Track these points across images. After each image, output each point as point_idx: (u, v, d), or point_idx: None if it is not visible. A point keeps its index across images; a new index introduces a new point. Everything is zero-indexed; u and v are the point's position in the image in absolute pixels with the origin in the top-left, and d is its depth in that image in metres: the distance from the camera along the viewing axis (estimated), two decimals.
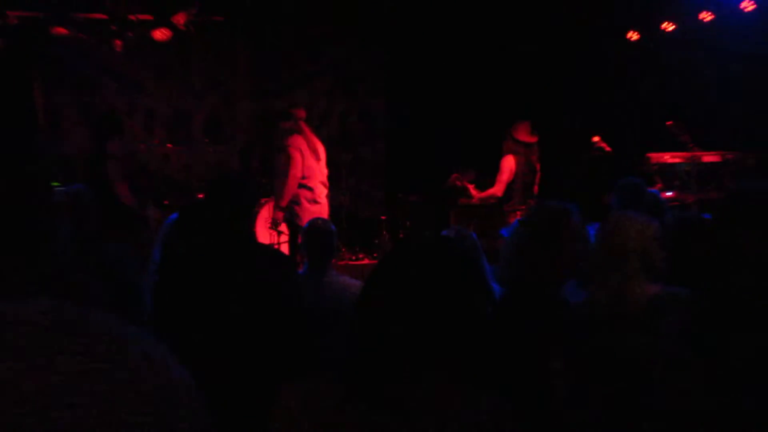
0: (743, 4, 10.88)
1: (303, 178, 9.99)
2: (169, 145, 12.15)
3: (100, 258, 4.72)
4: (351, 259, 11.38)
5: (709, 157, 10.23)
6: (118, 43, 12.59)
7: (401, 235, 12.04)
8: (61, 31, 12.21)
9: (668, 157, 10.35)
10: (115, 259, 4.90)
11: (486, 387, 2.49)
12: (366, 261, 11.33)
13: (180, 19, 12.16)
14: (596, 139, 10.55)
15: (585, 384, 3.79)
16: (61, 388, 1.31)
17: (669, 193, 9.92)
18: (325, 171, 10.33)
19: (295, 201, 9.95)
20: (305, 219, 8.87)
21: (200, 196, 9.44)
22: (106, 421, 1.35)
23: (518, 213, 9.30)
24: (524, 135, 10.33)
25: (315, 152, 10.06)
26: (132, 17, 12.17)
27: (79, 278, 3.66)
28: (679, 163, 10.50)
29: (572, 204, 4.70)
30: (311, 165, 10.03)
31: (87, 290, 3.73)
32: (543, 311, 4.28)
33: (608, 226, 4.34)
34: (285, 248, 10.05)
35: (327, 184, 10.27)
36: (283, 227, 10.16)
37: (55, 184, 6.25)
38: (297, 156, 9.89)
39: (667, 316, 3.93)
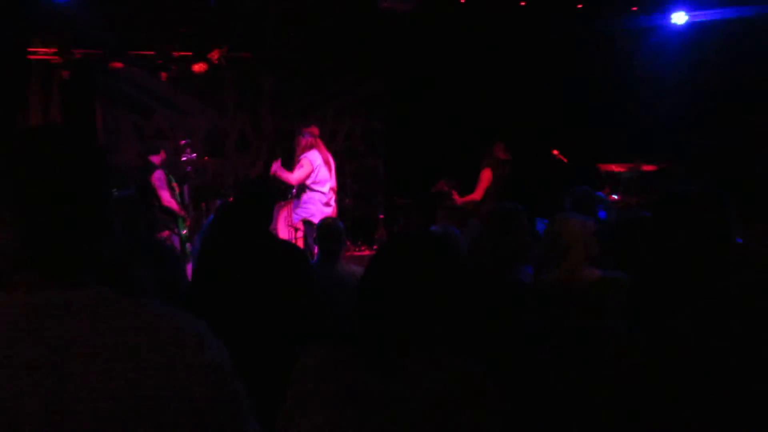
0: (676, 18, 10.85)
1: (316, 184, 10.09)
2: (206, 157, 12.17)
3: (148, 250, 4.86)
4: (355, 251, 11.31)
5: (647, 167, 10.20)
6: (164, 74, 12.69)
7: (395, 231, 12.00)
8: (118, 65, 12.25)
9: (614, 167, 10.33)
10: (160, 250, 5.04)
11: (463, 353, 2.45)
12: (366, 252, 11.27)
13: (214, 55, 12.18)
14: (555, 152, 10.64)
15: (543, 348, 3.98)
16: (103, 357, 1.52)
17: (615, 196, 9.92)
18: (335, 179, 10.39)
19: (311, 203, 10.05)
20: (318, 218, 8.98)
21: (230, 199, 9.43)
22: (138, 380, 1.53)
23: None
24: (500, 152, 10.41)
25: (327, 164, 10.16)
26: (175, 54, 12.24)
27: (132, 268, 3.81)
28: (623, 172, 10.48)
29: (522, 206, 4.90)
30: (323, 174, 10.13)
31: (138, 277, 3.88)
32: (500, 289, 4.47)
33: (554, 224, 4.48)
34: (300, 243, 10.06)
35: (336, 189, 10.38)
36: (299, 224, 10.21)
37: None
38: (309, 167, 10.00)
39: (609, 296, 3.97)
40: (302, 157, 10.15)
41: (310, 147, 10.13)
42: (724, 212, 2.97)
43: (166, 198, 10.13)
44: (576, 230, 4.31)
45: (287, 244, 6.43)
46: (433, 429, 2.26)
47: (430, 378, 2.33)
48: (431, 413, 2.27)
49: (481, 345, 2.70)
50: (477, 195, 10.34)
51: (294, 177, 9.90)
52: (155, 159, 10.35)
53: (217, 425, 1.59)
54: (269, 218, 5.17)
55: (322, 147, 10.27)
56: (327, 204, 10.16)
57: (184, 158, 11.46)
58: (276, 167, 10.00)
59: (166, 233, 10.03)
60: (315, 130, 10.32)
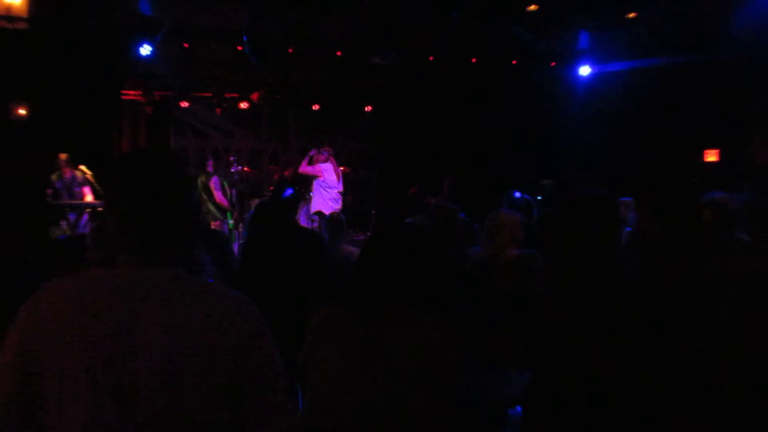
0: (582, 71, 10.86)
1: (328, 188, 10.13)
2: (246, 168, 12.15)
3: (208, 236, 4.78)
4: (353, 237, 11.27)
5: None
6: (218, 110, 12.72)
7: (380, 222, 11.89)
8: (185, 103, 12.28)
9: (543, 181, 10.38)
10: (214, 236, 5.02)
11: (425, 309, 2.42)
12: (362, 237, 11.12)
13: (255, 96, 12.24)
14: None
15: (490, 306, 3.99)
16: (168, 318, 1.51)
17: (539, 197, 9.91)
18: (341, 184, 10.46)
19: (323, 200, 10.08)
20: (328, 212, 9.03)
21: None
22: (197, 337, 1.51)
23: None
24: (453, 179, 10.55)
25: (337, 174, 10.20)
26: (227, 95, 12.26)
27: (197, 253, 3.79)
28: (547, 183, 10.55)
29: (457, 204, 4.98)
30: (333, 181, 10.18)
31: (199, 257, 3.86)
32: (451, 260, 4.54)
33: (490, 216, 4.38)
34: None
35: (341, 191, 10.41)
36: (316, 217, 10.19)
37: None
38: (323, 175, 10.05)
39: (527, 267, 4.04)
40: (317, 165, 10.26)
41: (325, 161, 10.21)
42: (608, 209, 2.99)
43: (219, 197, 10.20)
44: (504, 220, 4.25)
45: (308, 231, 6.39)
46: (408, 363, 2.26)
47: (404, 327, 2.33)
48: (406, 352, 2.28)
49: (436, 303, 2.62)
50: (442, 198, 10.28)
51: (305, 170, 10.08)
52: (210, 168, 10.48)
53: (256, 376, 1.57)
54: (294, 212, 5.17)
55: (333, 161, 10.35)
56: (335, 201, 10.20)
57: (232, 170, 11.48)
58: (302, 166, 10.15)
59: (217, 223, 10.12)
60: (329, 150, 10.40)
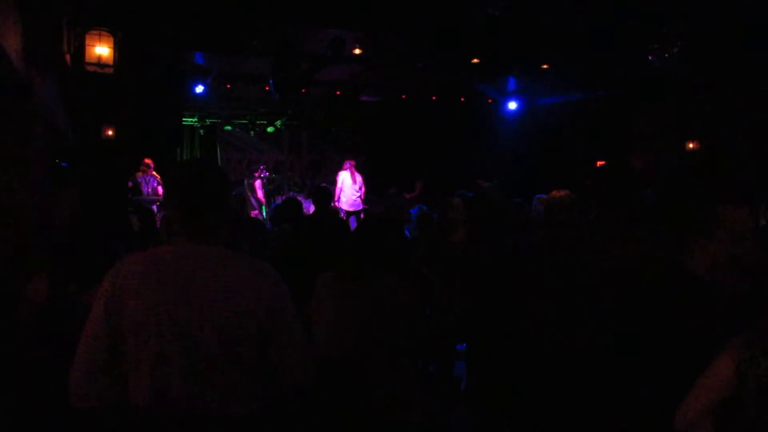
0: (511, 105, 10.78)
1: (342, 191, 9.98)
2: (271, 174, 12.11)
3: (248, 222, 4.60)
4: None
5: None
6: (251, 133, 12.67)
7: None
8: (228, 127, 12.23)
9: (481, 182, 10.35)
10: (253, 223, 4.93)
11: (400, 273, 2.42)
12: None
13: (277, 122, 12.20)
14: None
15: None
16: (215, 283, 1.49)
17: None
18: (359, 187, 10.15)
19: (343, 198, 9.98)
20: (346, 207, 9.30)
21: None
22: (233, 298, 1.49)
23: None
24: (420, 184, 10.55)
25: (353, 179, 9.99)
26: (258, 122, 12.17)
27: (237, 234, 3.78)
28: (484, 184, 10.54)
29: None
30: (348, 185, 10.04)
31: (239, 238, 3.83)
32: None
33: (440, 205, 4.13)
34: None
35: (357, 194, 10.20)
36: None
37: None
38: (339, 182, 9.96)
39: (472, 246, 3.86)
40: (337, 174, 10.16)
41: (345, 170, 10.05)
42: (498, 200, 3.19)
43: (260, 195, 10.22)
44: (449, 208, 3.93)
45: (335, 217, 6.21)
46: (385, 305, 2.28)
47: (380, 282, 2.34)
48: (385, 301, 2.30)
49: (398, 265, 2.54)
50: (415, 195, 10.28)
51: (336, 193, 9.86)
52: (256, 175, 10.50)
53: (280, 323, 1.54)
54: (328, 206, 5.22)
55: (353, 170, 10.11)
56: (349, 200, 10.01)
57: (262, 175, 11.43)
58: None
59: (255, 212, 10.09)
60: (352, 162, 10.27)
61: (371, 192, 10.73)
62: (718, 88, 7.38)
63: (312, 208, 10.40)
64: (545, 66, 8.53)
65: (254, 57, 7.95)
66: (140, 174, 8.96)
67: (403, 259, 2.89)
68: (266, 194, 11.20)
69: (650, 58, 6.48)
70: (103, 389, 1.49)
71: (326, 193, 5.21)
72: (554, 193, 2.94)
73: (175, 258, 1.53)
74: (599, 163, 9.45)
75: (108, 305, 1.50)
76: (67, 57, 5.55)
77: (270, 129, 12.24)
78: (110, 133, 8.23)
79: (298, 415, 1.65)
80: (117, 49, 5.70)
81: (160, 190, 9.00)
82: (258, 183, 10.71)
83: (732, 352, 1.51)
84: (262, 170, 11.61)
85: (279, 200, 9.26)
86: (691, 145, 8.02)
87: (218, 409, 1.47)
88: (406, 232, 4.88)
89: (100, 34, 5.60)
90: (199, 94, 8.98)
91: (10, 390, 2.17)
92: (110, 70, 5.67)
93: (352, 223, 9.62)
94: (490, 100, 11.07)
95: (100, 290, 1.53)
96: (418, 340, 2.40)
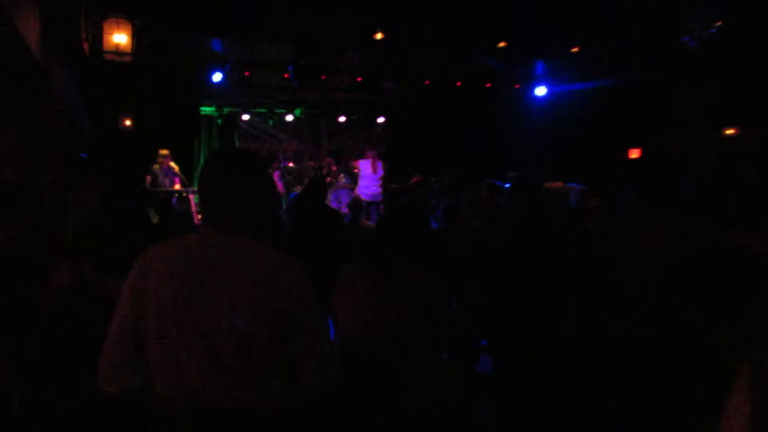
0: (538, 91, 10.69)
1: (362, 178, 10.04)
2: (291, 164, 12.13)
3: None
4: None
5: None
6: (270, 121, 12.73)
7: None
8: (246, 116, 12.29)
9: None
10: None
11: (420, 264, 2.40)
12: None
13: (297, 111, 12.20)
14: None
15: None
16: (234, 272, 1.49)
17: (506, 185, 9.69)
18: (379, 175, 10.20)
19: (360, 188, 10.02)
20: (364, 195, 9.23)
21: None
22: (251, 286, 1.49)
23: None
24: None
25: (373, 168, 10.00)
26: (276, 110, 12.25)
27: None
28: (512, 175, 10.43)
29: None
30: (368, 174, 10.05)
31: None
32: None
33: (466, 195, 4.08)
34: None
35: (376, 184, 10.25)
36: (344, 200, 10.19)
37: None
38: (359, 168, 10.02)
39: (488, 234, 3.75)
40: (358, 161, 10.29)
41: (366, 158, 10.11)
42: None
43: (280, 186, 10.29)
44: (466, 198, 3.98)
45: (333, 209, 6.34)
46: (411, 301, 2.28)
47: (409, 275, 2.33)
48: (408, 294, 2.29)
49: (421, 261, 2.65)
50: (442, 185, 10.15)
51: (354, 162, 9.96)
52: (275, 165, 10.58)
53: (304, 318, 1.54)
54: (324, 197, 5.12)
55: (375, 159, 10.14)
56: (366, 188, 9.97)
57: (281, 165, 11.48)
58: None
59: None
60: (373, 151, 10.31)
61: (393, 181, 10.71)
62: (759, 68, 7.18)
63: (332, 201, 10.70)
64: (575, 49, 8.41)
65: (273, 43, 7.96)
66: (157, 166, 9.03)
67: (429, 249, 2.88)
68: (285, 185, 11.25)
69: (685, 38, 6.33)
70: (130, 376, 1.53)
71: (322, 184, 5.16)
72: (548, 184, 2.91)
73: (200, 247, 1.55)
74: (631, 152, 9.34)
75: (134, 293, 1.54)
76: (85, 46, 5.63)
77: (289, 118, 12.28)
78: (128, 123, 8.37)
79: (323, 412, 1.66)
80: (135, 36, 5.76)
81: (177, 181, 9.10)
82: (276, 174, 10.77)
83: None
84: (280, 160, 11.66)
85: (298, 191, 9.31)
86: (729, 131, 7.85)
87: (240, 404, 1.48)
88: (433, 223, 4.86)
89: (117, 22, 5.68)
90: (217, 82, 9.03)
91: (38, 378, 2.23)
92: (128, 59, 5.74)
93: (373, 214, 9.65)
94: (516, 86, 10.95)
95: (128, 279, 1.56)
96: (445, 333, 2.39)
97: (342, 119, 12.92)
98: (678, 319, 1.70)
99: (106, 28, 5.68)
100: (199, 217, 7.47)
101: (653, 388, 1.75)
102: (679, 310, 1.71)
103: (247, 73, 9.47)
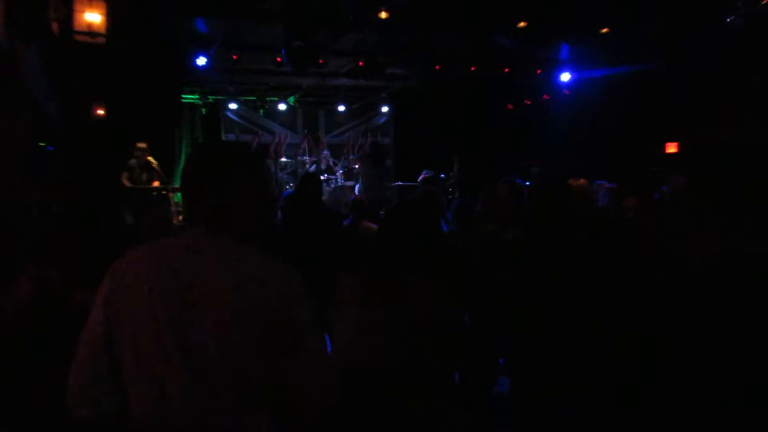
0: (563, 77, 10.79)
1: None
2: (283, 159, 12.14)
3: None
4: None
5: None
6: (261, 110, 12.75)
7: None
8: (233, 105, 12.28)
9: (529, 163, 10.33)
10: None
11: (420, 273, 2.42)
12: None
13: (290, 99, 12.22)
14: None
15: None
16: (216, 277, 1.49)
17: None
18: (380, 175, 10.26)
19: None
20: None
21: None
22: (238, 292, 1.48)
23: None
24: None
25: (375, 163, 10.10)
26: (267, 98, 12.25)
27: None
28: (533, 167, 10.50)
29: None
30: (370, 170, 10.10)
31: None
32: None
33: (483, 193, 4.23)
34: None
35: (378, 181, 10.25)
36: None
37: None
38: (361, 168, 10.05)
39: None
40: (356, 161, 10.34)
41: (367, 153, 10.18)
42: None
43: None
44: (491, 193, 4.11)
45: (330, 210, 6.34)
46: (412, 312, 2.29)
47: (407, 286, 2.34)
48: (413, 307, 2.30)
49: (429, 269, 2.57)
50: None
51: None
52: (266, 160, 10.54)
53: (297, 331, 1.53)
54: (320, 194, 5.13)
55: (378, 153, 10.17)
56: (372, 187, 10.06)
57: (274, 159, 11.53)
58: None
59: None
60: (377, 144, 10.37)
61: (399, 177, 10.72)
62: None
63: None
64: (605, 30, 8.40)
65: (264, 22, 7.97)
66: (134, 161, 8.99)
67: (438, 256, 2.88)
68: (278, 182, 11.28)
69: (728, 19, 6.31)
70: (104, 397, 1.52)
71: (318, 181, 5.14)
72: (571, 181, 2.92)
73: (182, 253, 1.54)
74: (668, 145, 9.33)
75: (107, 304, 1.53)
76: (54, 25, 5.63)
77: (282, 107, 12.27)
78: (101, 112, 8.37)
79: None
80: (110, 15, 5.76)
81: (156, 178, 9.09)
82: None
83: None
84: (272, 154, 11.69)
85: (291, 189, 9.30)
86: None
87: (225, 428, 1.47)
88: (444, 226, 4.84)
89: None
90: (201, 66, 9.04)
91: None
92: (102, 40, 5.72)
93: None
94: (538, 71, 10.95)
95: (99, 290, 1.55)
96: (455, 352, 2.39)
97: (341, 108, 12.93)
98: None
99: (77, 5, 5.67)
100: (180, 218, 7.48)
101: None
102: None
103: (234, 57, 9.50)
